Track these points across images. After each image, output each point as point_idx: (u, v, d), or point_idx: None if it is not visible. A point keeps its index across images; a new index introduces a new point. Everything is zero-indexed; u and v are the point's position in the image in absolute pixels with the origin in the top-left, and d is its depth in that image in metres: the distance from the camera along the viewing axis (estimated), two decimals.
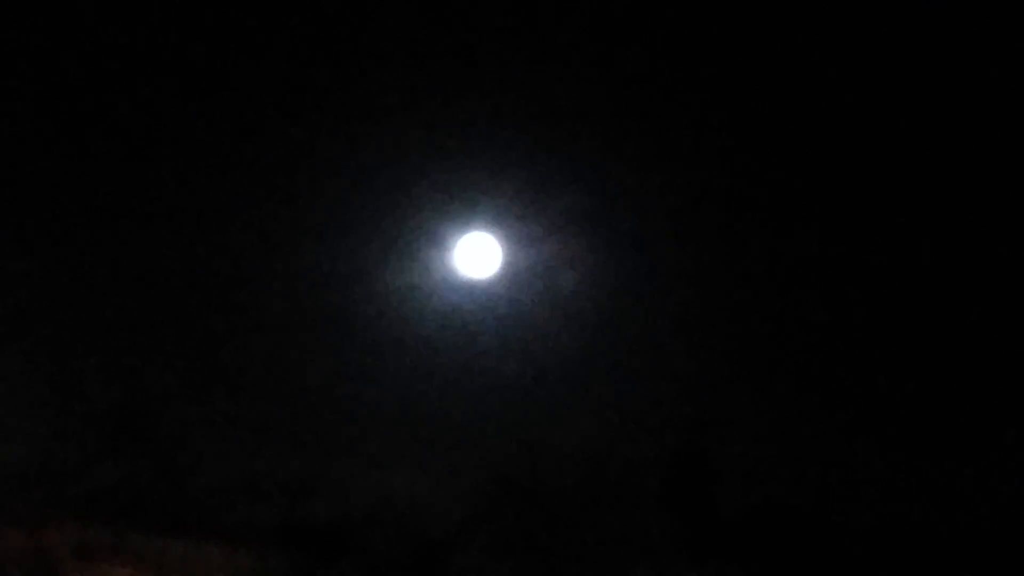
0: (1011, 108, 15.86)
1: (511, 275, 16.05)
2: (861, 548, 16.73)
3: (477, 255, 15.98)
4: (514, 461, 15.66)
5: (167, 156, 16.29)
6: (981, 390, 16.04)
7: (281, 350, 16.13)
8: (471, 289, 16.07)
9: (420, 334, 15.97)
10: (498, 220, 15.91)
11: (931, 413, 16.15)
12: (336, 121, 16.26)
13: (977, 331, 16.01)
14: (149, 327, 15.65)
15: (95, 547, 14.14)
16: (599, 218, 16.15)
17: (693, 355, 15.91)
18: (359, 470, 15.55)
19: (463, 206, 15.97)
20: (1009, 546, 15.84)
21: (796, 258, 16.16)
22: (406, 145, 16.09)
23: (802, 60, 15.93)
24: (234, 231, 16.17)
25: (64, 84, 16.00)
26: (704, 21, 15.85)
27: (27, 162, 15.77)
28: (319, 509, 15.49)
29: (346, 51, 16.22)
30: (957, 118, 15.86)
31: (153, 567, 14.16)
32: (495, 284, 16.08)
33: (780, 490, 15.80)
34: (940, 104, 15.88)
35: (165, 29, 15.99)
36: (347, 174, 16.19)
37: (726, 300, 16.02)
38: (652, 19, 15.90)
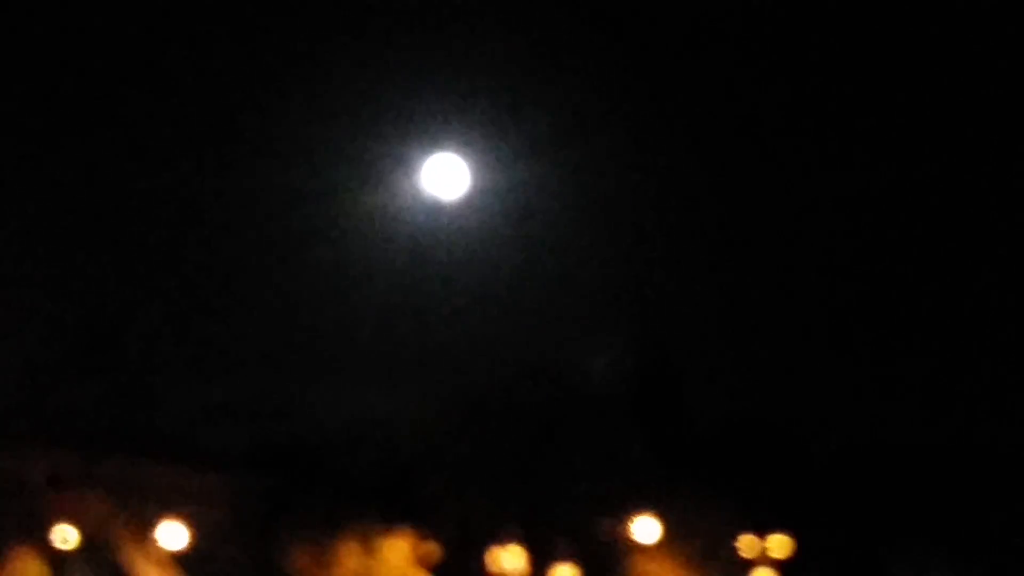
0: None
1: (479, 197, 16.02)
2: (830, 461, 17.04)
3: (444, 176, 15.95)
4: (482, 381, 15.83)
5: (141, 75, 16.18)
6: (955, 300, 16.30)
7: (249, 271, 16.15)
8: (439, 211, 16.05)
9: (388, 256, 15.98)
10: (466, 141, 15.87)
11: (904, 325, 16.39)
12: (300, 35, 16.15)
13: (946, 241, 16.22)
14: (115, 245, 15.61)
15: (68, 474, 14.24)
16: (569, 139, 16.13)
17: (663, 271, 16.04)
18: (330, 393, 15.69)
19: (430, 126, 15.90)
20: (975, 462, 16.16)
21: (766, 172, 16.23)
22: (371, 62, 15.99)
23: None
24: (203, 151, 16.07)
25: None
26: None
27: None
28: (288, 431, 15.67)
29: None
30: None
31: (126, 492, 14.26)
32: (463, 206, 16.05)
33: (749, 404, 16.06)
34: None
35: None
36: (309, 91, 16.09)
37: (696, 217, 16.11)
38: None
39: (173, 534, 14.29)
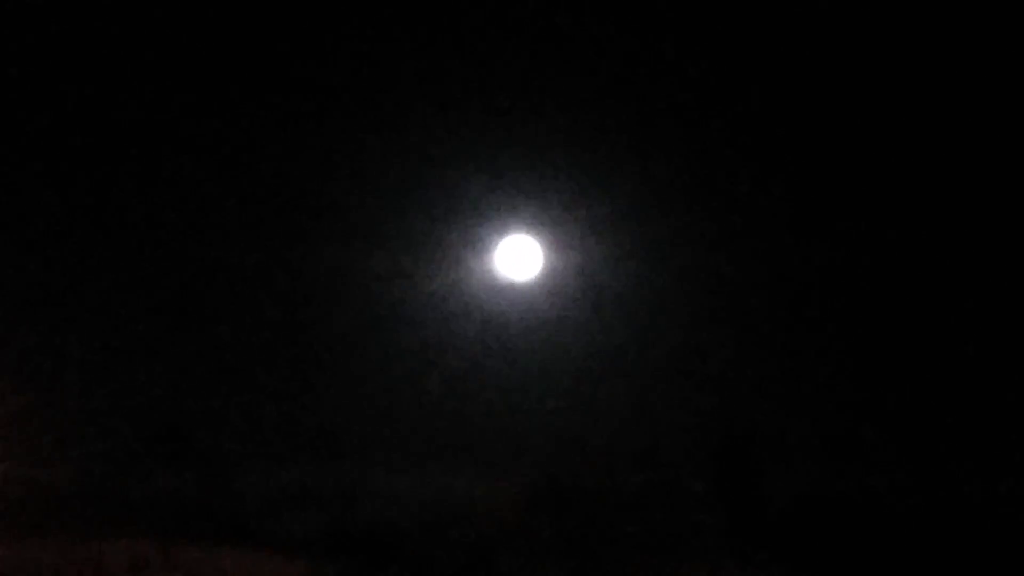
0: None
1: (552, 277, 16.08)
2: (911, 539, 16.70)
3: (518, 258, 16.03)
4: (558, 462, 15.78)
5: (201, 171, 16.48)
6: None
7: (322, 355, 16.25)
8: (512, 292, 16.11)
9: (462, 337, 16.05)
10: (539, 222, 15.93)
11: (985, 407, 16.11)
12: (377, 122, 16.33)
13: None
14: (189, 337, 15.81)
15: (148, 559, 14.35)
16: (640, 219, 16.17)
17: (737, 354, 15.94)
18: (403, 475, 15.71)
19: (503, 208, 15.99)
20: None
21: (841, 259, 16.14)
22: (447, 147, 16.15)
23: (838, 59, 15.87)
24: (275, 237, 16.28)
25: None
26: (750, 24, 15.76)
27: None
28: (366, 515, 15.66)
29: (387, 51, 16.24)
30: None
31: None
32: (536, 286, 16.13)
33: (826, 483, 15.87)
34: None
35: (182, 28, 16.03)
36: (388, 176, 16.27)
37: (774, 294, 16.03)
38: (698, 20, 15.82)
39: None
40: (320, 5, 16.19)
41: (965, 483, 16.10)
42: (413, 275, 16.06)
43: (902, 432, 15.77)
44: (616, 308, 15.98)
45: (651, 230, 16.08)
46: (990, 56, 15.86)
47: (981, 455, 16.10)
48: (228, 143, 16.36)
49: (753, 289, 16.14)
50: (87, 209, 15.71)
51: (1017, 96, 15.95)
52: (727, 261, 16.03)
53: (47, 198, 15.68)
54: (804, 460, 15.81)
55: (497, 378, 16.02)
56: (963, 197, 15.88)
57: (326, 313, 16.34)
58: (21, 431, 14.76)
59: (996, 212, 15.85)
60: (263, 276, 16.19)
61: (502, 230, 15.95)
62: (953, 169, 15.96)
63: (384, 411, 15.90)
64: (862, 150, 16.05)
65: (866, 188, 16.09)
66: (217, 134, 16.35)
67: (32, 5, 16.12)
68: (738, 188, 15.90)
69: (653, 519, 15.81)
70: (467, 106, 15.98)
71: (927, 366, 16.12)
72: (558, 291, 16.06)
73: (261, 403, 15.65)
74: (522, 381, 16.04)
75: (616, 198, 16.16)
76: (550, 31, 15.87)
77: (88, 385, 14.99)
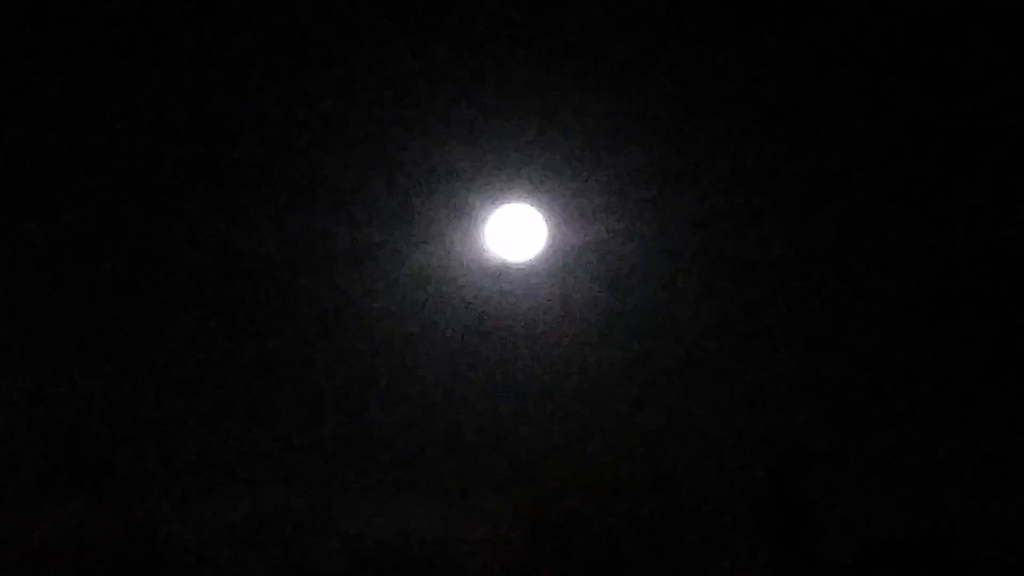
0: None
1: (557, 257, 12.92)
2: None
3: (515, 232, 12.84)
4: (560, 490, 12.61)
5: (156, 139, 13.01)
6: None
7: (272, 352, 13.09)
8: (508, 274, 12.94)
9: (444, 332, 12.89)
10: (541, 189, 12.74)
11: None
12: (343, 69, 12.99)
13: None
14: (101, 335, 12.58)
15: None
16: (662, 188, 12.93)
17: (783, 360, 12.75)
18: (370, 504, 12.51)
19: (498, 173, 12.81)
20: None
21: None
22: (424, 92, 12.80)
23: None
24: (212, 211, 13.05)
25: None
26: None
27: None
28: (323, 553, 12.50)
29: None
30: None
31: None
32: (537, 267, 12.94)
33: (889, 529, 12.73)
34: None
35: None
36: (353, 133, 12.95)
37: (831, 290, 12.85)
38: None
39: None
40: None
41: None
42: (381, 255, 12.90)
43: (991, 459, 12.59)
44: (636, 297, 12.83)
45: (678, 201, 12.91)
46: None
47: None
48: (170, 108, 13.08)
49: (802, 277, 12.97)
50: None
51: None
52: (783, 235, 12.81)
53: None
54: (868, 502, 12.61)
55: (487, 384, 12.88)
56: None
57: (277, 301, 13.17)
58: None
59: None
60: (200, 257, 13.00)
61: (496, 198, 12.81)
62: None
63: (347, 425, 12.73)
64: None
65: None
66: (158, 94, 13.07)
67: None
68: (774, 158, 12.72)
69: (676, 561, 12.68)
70: (451, 42, 12.75)
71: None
72: (564, 274, 12.91)
73: (188, 414, 12.46)
74: (518, 388, 12.89)
75: (636, 160, 12.96)
76: None
77: None
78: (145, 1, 12.79)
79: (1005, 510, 12.92)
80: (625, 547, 12.54)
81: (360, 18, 12.82)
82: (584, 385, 12.90)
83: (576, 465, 12.76)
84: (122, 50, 12.91)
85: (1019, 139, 13.00)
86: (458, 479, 12.74)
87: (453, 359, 13.04)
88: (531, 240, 12.86)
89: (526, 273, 13.01)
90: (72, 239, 12.92)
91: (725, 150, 12.78)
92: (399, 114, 12.87)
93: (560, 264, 12.96)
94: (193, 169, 13.23)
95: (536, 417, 12.83)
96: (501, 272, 12.98)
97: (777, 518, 12.76)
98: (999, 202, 12.73)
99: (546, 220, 12.80)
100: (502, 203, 12.66)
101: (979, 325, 12.83)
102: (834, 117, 13.18)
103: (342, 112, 12.92)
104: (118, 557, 11.62)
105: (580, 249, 12.87)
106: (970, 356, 12.80)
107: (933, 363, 12.74)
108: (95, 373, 12.39)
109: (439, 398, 13.11)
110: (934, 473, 12.68)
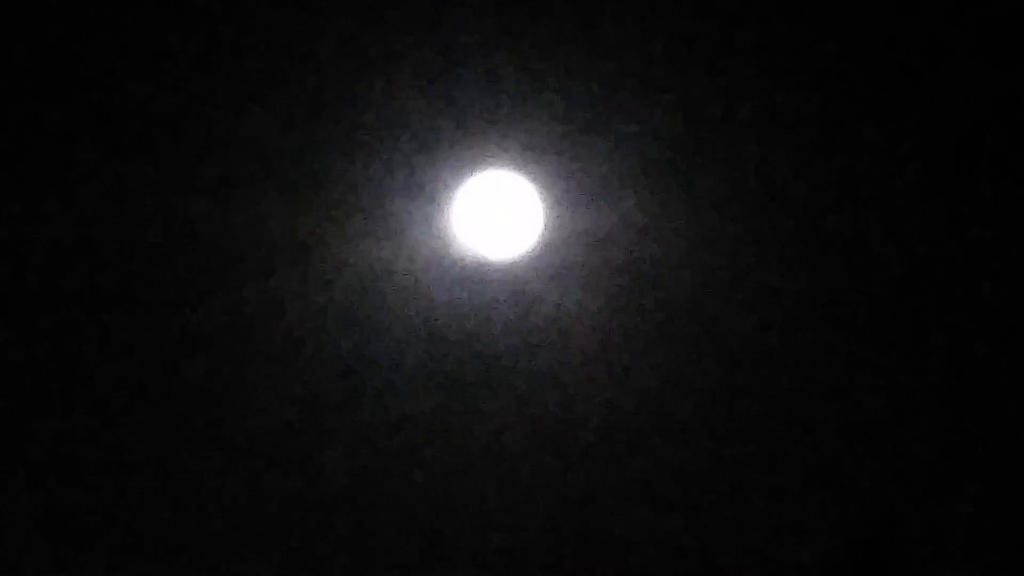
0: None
1: (551, 250, 9.67)
2: None
3: (495, 211, 9.60)
4: (570, 566, 9.22)
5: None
6: None
7: (171, 391, 9.70)
8: (485, 275, 9.71)
9: (404, 350, 9.59)
10: (533, 153, 9.51)
11: None
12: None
13: None
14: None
15: None
16: (676, 165, 9.73)
17: (864, 398, 9.41)
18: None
19: (475, 141, 9.61)
20: None
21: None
22: (383, 51, 9.61)
23: None
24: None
25: None
26: None
27: None
28: None
29: None
30: None
31: None
32: (526, 265, 9.69)
33: None
34: None
35: None
36: (284, 93, 9.73)
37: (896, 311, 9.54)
38: None
39: None
40: None
41: None
42: (329, 245, 9.64)
43: None
44: (671, 306, 9.56)
45: (696, 178, 9.71)
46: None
47: None
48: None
49: (841, 274, 9.74)
50: None
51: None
52: (836, 227, 9.60)
53: None
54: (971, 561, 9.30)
55: (465, 424, 9.55)
56: None
57: (180, 313, 9.84)
58: None
59: None
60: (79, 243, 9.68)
61: (471, 170, 9.60)
62: None
63: (265, 488, 9.32)
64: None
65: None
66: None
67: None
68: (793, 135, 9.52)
69: None
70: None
71: None
72: (561, 271, 9.67)
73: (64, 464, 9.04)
74: (502, 423, 9.56)
75: (644, 134, 9.79)
76: None
77: None
78: None
79: None
80: None
81: None
82: (592, 422, 9.60)
83: (584, 538, 9.43)
84: None
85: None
86: (430, 556, 9.37)
87: (414, 391, 9.78)
88: (519, 226, 9.66)
89: (510, 274, 9.77)
90: None
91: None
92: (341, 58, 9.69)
93: (559, 261, 9.71)
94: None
95: (530, 464, 9.51)
96: (473, 272, 9.77)
97: None
98: None
99: (541, 197, 9.61)
100: (477, 170, 9.46)
101: None
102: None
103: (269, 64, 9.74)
104: None
105: (587, 239, 9.71)
106: None
107: None
108: None
109: (396, 452, 9.83)
110: None
